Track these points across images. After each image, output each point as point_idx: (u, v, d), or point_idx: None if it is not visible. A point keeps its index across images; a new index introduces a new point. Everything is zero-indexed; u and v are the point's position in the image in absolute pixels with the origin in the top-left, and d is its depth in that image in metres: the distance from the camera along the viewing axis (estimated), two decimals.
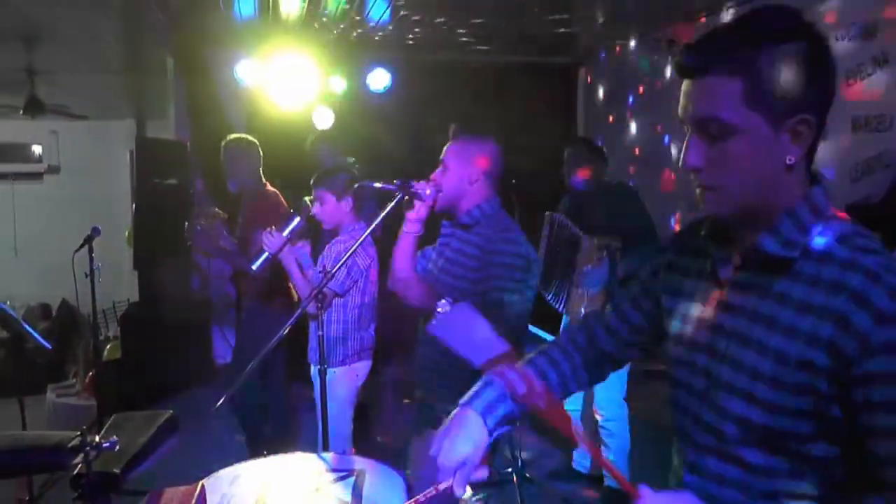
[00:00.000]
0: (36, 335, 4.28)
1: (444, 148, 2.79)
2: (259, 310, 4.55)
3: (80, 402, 6.07)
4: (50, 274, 10.71)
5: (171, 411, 1.85)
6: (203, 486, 1.64)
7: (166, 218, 5.99)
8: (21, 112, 8.08)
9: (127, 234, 7.51)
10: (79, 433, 1.47)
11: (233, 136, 4.68)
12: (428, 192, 2.70)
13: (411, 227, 2.77)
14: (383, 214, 2.69)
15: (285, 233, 3.63)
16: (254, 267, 3.62)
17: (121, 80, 8.55)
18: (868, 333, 1.16)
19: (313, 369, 3.76)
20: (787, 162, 1.26)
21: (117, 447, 1.53)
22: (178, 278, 6.45)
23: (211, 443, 5.23)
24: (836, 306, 1.20)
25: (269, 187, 4.66)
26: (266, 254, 3.61)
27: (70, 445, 1.57)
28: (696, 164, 1.30)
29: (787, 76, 1.23)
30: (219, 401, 2.56)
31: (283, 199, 4.65)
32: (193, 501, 1.56)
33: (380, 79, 6.12)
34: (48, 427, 5.90)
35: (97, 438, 1.50)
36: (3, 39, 6.97)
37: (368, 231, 2.79)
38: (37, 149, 12.37)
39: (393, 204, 2.69)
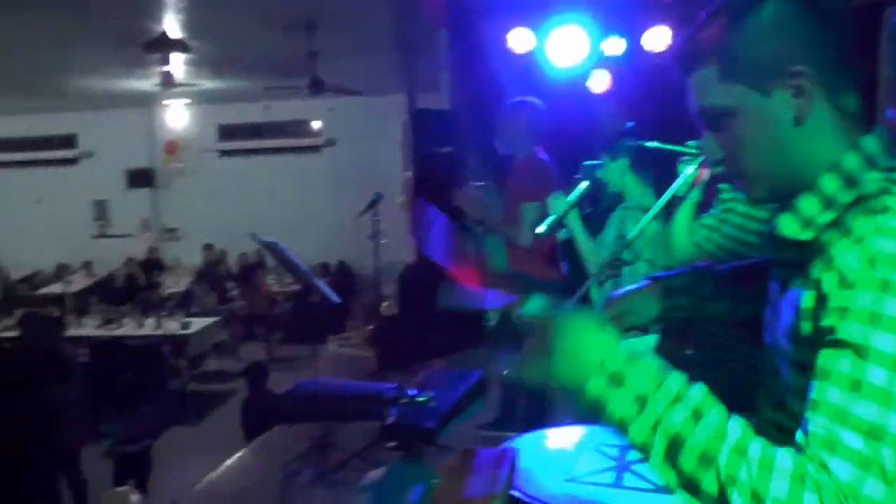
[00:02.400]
0: (326, 289, 4.59)
1: None
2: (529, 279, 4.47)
3: (359, 353, 6.47)
4: (327, 237, 11.67)
5: (482, 372, 1.87)
6: (516, 449, 1.63)
7: (441, 185, 6.18)
8: (305, 91, 8.78)
9: (401, 201, 7.88)
10: (395, 385, 1.53)
11: (518, 97, 4.62)
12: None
13: (692, 191, 2.60)
14: (680, 180, 2.54)
15: (572, 197, 3.55)
16: (540, 230, 3.57)
17: (393, 56, 8.97)
18: (828, 295, 1.06)
19: None
20: (795, 121, 1.17)
21: (432, 402, 1.56)
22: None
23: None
24: (820, 274, 1.09)
25: (541, 154, 4.55)
26: (553, 217, 3.54)
27: (388, 397, 1.63)
28: (715, 158, 1.28)
29: (754, 37, 1.17)
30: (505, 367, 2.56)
31: (551, 167, 4.53)
32: (506, 463, 1.55)
33: (659, 38, 5.83)
34: (330, 374, 6.37)
35: (412, 392, 1.54)
36: (289, 28, 7.57)
37: (667, 196, 2.62)
38: (316, 124, 13.47)
39: (692, 168, 2.52)
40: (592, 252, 3.57)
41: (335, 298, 4.58)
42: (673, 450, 1.04)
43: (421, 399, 1.49)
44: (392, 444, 1.52)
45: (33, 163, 14.91)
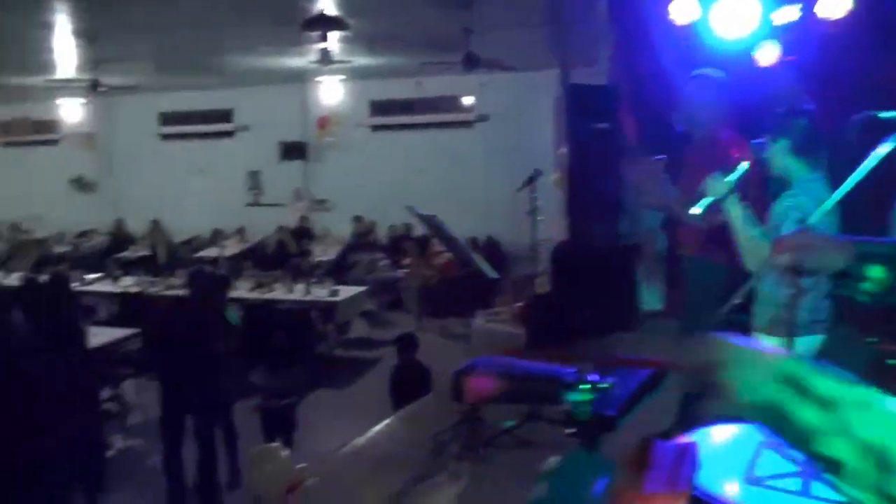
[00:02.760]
0: (482, 264, 4.54)
1: None
2: (701, 263, 4.25)
3: (508, 329, 6.43)
4: (476, 212, 11.70)
5: (660, 361, 1.78)
6: (696, 444, 1.54)
7: (598, 162, 6.05)
8: (459, 67, 8.78)
9: (554, 178, 7.74)
10: (575, 369, 1.47)
11: (699, 70, 4.36)
12: None
13: None
14: (871, 161, 2.28)
15: (732, 177, 3.34)
16: (694, 211, 3.37)
17: (548, 30, 8.82)
18: None
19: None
20: None
21: (614, 389, 1.50)
22: (607, 221, 6.48)
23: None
24: None
25: (724, 131, 4.27)
26: (711, 199, 3.33)
27: (568, 381, 1.57)
28: None
29: None
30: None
31: (734, 146, 4.27)
32: (689, 460, 1.46)
33: (837, 4, 5.41)
34: (478, 349, 6.37)
35: (594, 377, 1.48)
36: (445, 3, 7.55)
37: (852, 182, 2.40)
38: (468, 100, 13.51)
39: (887, 147, 2.26)
40: (748, 241, 3.24)
41: (492, 274, 4.54)
42: (875, 459, 0.89)
43: (603, 385, 1.43)
44: (570, 430, 1.47)
45: (194, 135, 15.95)
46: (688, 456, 1.50)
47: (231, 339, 5.87)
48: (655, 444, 1.54)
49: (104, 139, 16.37)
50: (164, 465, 5.66)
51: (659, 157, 4.27)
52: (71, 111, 15.03)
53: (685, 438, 1.59)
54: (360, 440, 4.74)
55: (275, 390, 6.09)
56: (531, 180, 4.98)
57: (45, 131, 17.01)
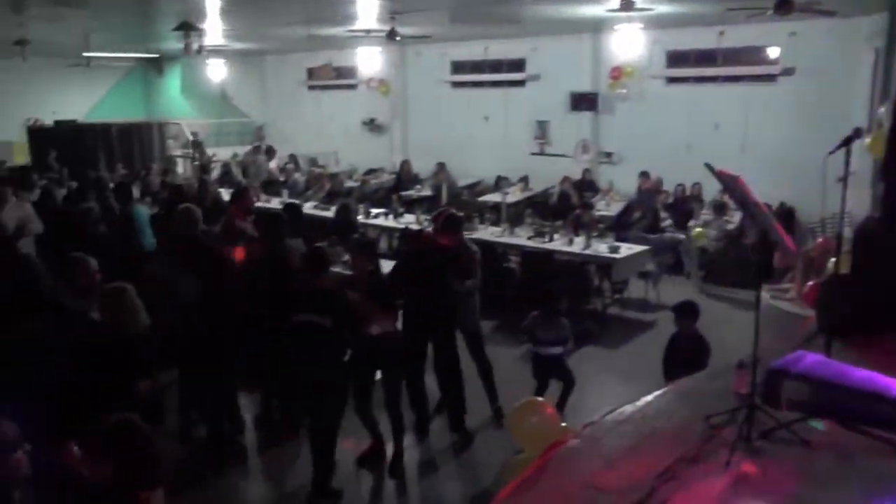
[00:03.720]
0: (784, 236, 4.14)
1: None
2: None
3: (795, 309, 5.93)
4: (772, 175, 10.85)
5: None
6: None
7: None
8: (771, 13, 8.10)
9: (869, 140, 6.89)
10: None
11: None
12: None
13: None
14: None
15: None
16: None
17: None
18: None
19: None
20: None
21: None
22: None
23: None
24: None
25: None
26: None
27: None
28: None
29: None
30: None
31: None
32: None
33: None
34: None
35: None
36: None
37: None
38: (773, 51, 12.55)
39: None
40: None
41: (792, 248, 4.13)
42: None
43: None
44: None
45: (485, 84, 16.42)
46: None
47: (474, 277, 6.07)
48: None
49: (397, 85, 17.44)
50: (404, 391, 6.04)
51: None
52: (369, 59, 16.15)
53: None
54: (627, 408, 4.56)
55: (546, 340, 6.10)
56: (848, 141, 4.36)
57: (344, 77, 18.70)
